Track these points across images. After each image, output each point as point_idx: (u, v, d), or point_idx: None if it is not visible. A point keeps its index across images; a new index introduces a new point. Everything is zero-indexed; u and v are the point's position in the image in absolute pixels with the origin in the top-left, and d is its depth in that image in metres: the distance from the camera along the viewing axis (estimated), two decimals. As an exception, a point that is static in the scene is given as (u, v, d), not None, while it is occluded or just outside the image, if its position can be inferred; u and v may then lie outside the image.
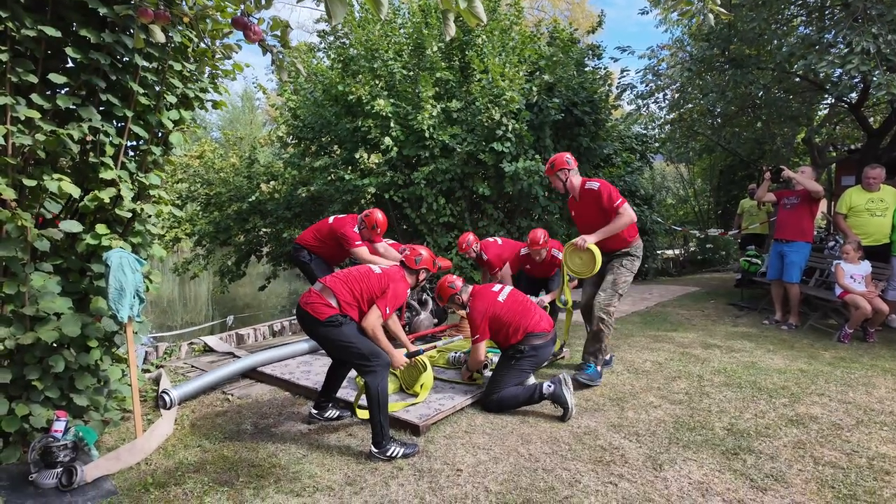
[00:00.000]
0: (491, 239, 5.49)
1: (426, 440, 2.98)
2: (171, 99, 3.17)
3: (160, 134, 3.35)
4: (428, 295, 4.94)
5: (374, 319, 2.99)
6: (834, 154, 11.52)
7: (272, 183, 8.56)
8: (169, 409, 3.40)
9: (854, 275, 5.06)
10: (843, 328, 5.04)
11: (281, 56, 2.29)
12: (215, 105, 3.79)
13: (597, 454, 2.76)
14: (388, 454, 2.74)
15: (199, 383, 3.73)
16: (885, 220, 5.44)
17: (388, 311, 3.04)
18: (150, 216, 3.31)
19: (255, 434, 3.14)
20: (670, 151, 10.94)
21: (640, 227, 10.39)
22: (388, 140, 7.13)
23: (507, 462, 2.70)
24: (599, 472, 2.58)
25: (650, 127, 10.87)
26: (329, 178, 7.67)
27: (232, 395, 3.77)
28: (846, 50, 5.23)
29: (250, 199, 8.37)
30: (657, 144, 10.91)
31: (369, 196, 8.59)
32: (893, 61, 4.76)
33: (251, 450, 2.92)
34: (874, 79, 4.80)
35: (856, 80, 5.63)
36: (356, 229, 4.51)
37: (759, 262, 7.02)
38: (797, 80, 7.53)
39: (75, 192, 2.71)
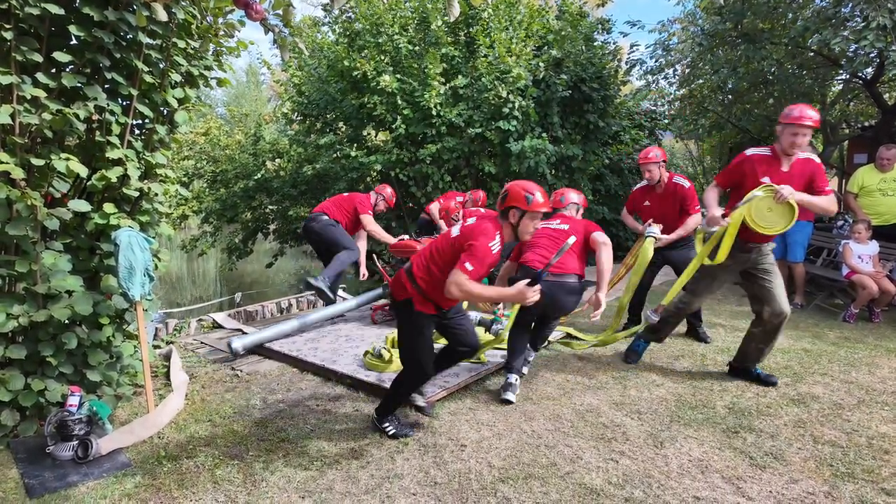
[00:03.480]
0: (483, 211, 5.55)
1: (431, 417, 3.03)
2: (176, 77, 3.15)
3: (165, 112, 3.35)
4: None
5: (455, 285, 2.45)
6: (847, 131, 11.31)
7: (277, 161, 8.54)
8: (235, 357, 4.03)
9: (862, 255, 5.03)
10: (848, 308, 5.04)
11: (283, 35, 2.27)
12: (220, 83, 3.77)
13: (598, 431, 2.81)
14: (383, 426, 2.80)
15: (261, 336, 4.21)
16: (896, 199, 5.38)
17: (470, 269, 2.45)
18: (157, 195, 3.34)
19: (264, 409, 3.21)
20: (680, 128, 10.76)
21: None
22: (398, 119, 7.07)
23: (510, 438, 2.75)
24: (601, 448, 2.63)
25: (660, 103, 10.69)
26: (334, 155, 7.65)
27: (241, 371, 3.84)
28: (862, 24, 5.10)
29: (256, 177, 8.37)
30: (667, 121, 10.75)
31: (375, 174, 8.57)
32: (910, 36, 4.65)
33: (260, 424, 2.99)
34: (890, 55, 4.68)
35: (872, 55, 5.49)
36: (372, 201, 5.05)
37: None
38: (811, 55, 7.36)
39: (83, 171, 2.73)
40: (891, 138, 6.68)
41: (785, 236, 5.53)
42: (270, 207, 9.16)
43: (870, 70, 7.28)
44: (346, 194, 5.21)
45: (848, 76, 8.32)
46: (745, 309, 5.54)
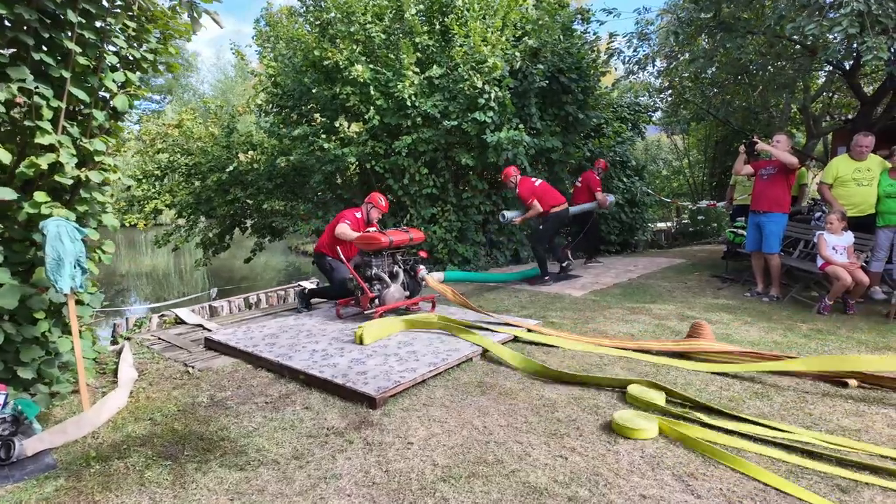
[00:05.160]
0: (533, 178, 6.61)
1: (382, 413, 2.91)
2: (113, 59, 3.00)
3: (109, 97, 3.20)
4: (399, 267, 4.83)
5: None
6: (832, 123, 11.27)
7: (251, 153, 8.35)
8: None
9: (836, 246, 4.96)
10: (822, 300, 4.97)
11: (196, 5, 2.13)
12: (170, 68, 3.63)
13: (552, 427, 2.71)
14: None
15: None
16: (871, 189, 5.31)
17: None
18: (99, 184, 3.19)
19: (210, 407, 3.08)
20: (661, 119, 10.69)
21: (630, 198, 10.26)
22: (371, 110, 6.93)
23: (460, 435, 2.64)
24: (552, 445, 2.52)
25: (641, 95, 10.59)
26: (310, 147, 7.48)
27: (193, 367, 3.71)
28: (840, 12, 5.01)
29: (228, 170, 8.19)
30: (649, 114, 10.65)
31: (353, 167, 8.41)
32: (885, 24, 4.55)
33: (203, 422, 2.87)
34: (865, 41, 4.59)
35: (854, 45, 5.39)
36: (357, 214, 5.15)
37: (746, 233, 6.91)
38: (796, 45, 7.27)
39: (6, 157, 2.58)
40: (869, 129, 6.61)
41: (761, 227, 5.47)
42: (247, 201, 8.97)
43: (851, 61, 7.21)
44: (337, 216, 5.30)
45: (831, 67, 8.25)
46: (720, 302, 5.48)
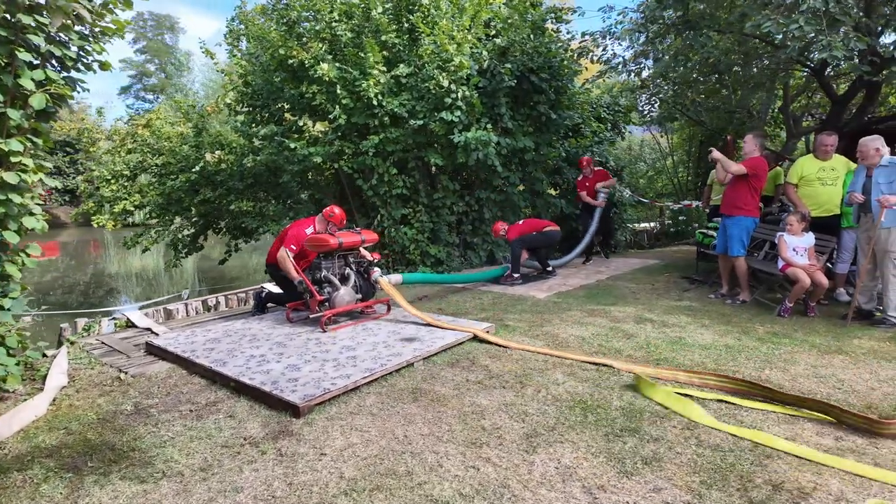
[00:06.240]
0: (520, 222, 7.13)
1: (304, 422, 2.83)
2: (25, 56, 2.91)
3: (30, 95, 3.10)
4: (351, 270, 4.74)
5: None
6: (812, 122, 11.22)
7: (218, 152, 8.24)
8: None
9: (797, 247, 4.89)
10: (783, 302, 4.90)
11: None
12: (103, 66, 3.55)
13: (474, 435, 2.62)
14: None
15: None
16: (836, 189, 5.25)
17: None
18: (24, 186, 3.10)
19: (132, 415, 2.99)
20: (638, 119, 10.60)
21: (609, 199, 10.17)
22: (337, 109, 6.83)
23: (377, 445, 2.56)
24: (468, 455, 2.44)
25: (620, 96, 10.51)
26: (279, 147, 7.38)
27: (126, 373, 3.62)
28: (803, 7, 4.93)
29: (195, 169, 8.07)
30: (626, 114, 10.58)
31: (325, 167, 8.31)
32: (842, 22, 4.48)
33: (118, 432, 2.78)
34: (821, 39, 4.52)
35: (812, 44, 5.33)
36: (309, 229, 4.88)
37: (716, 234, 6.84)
38: (764, 44, 7.20)
39: None
40: (838, 129, 6.55)
41: (725, 228, 5.40)
42: (223, 201, 8.86)
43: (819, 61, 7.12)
44: (288, 227, 5.08)
45: (808, 70, 8.17)
46: (683, 304, 5.41)
